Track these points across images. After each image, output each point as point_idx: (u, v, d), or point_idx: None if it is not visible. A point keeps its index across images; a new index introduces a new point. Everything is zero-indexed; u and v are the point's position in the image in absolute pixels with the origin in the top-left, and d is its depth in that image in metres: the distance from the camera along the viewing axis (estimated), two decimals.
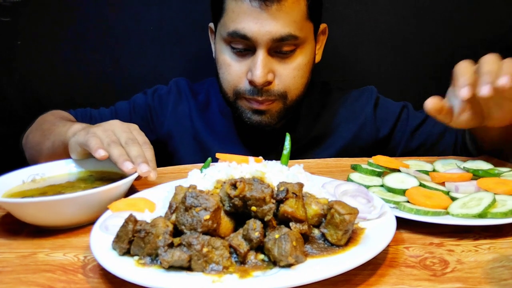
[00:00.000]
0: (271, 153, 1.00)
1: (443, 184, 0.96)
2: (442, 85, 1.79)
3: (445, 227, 0.80)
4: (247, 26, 1.18)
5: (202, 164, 0.97)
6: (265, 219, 0.69)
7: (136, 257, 0.69)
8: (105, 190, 0.86)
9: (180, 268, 0.64)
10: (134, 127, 1.03)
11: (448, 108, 0.96)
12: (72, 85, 1.57)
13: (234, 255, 0.67)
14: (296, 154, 1.35)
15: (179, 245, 0.65)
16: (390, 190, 0.95)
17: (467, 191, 0.91)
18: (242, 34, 1.19)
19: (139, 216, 0.75)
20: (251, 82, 1.23)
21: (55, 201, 0.82)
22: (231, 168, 0.81)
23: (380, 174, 1.05)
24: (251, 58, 1.23)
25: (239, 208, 0.70)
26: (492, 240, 0.77)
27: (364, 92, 1.49)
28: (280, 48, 1.22)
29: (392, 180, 0.98)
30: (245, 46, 1.22)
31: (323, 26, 1.37)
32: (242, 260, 0.66)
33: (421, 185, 0.95)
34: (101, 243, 0.73)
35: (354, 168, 1.08)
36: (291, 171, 0.82)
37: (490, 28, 1.71)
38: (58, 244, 0.82)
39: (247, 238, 0.67)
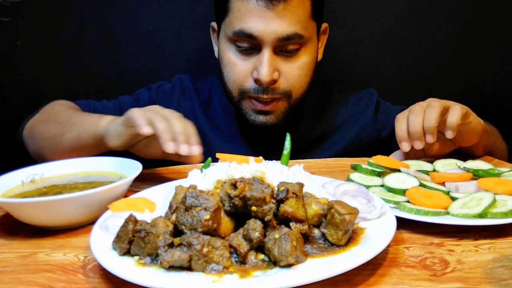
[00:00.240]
0: (274, 152, 1.00)
1: (443, 184, 0.96)
2: (441, 85, 1.80)
3: (445, 227, 0.80)
4: (253, 25, 1.19)
5: (202, 164, 0.97)
6: (265, 219, 0.69)
7: (136, 257, 0.69)
8: (105, 190, 0.86)
9: (180, 268, 0.64)
10: (172, 110, 1.02)
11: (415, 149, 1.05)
12: (72, 85, 1.57)
13: (234, 255, 0.67)
14: (297, 154, 1.36)
15: (179, 245, 0.65)
16: (390, 190, 0.95)
17: (467, 191, 0.91)
18: (248, 33, 1.20)
19: (139, 216, 0.75)
20: (256, 81, 1.23)
21: (55, 201, 0.82)
22: (231, 168, 0.81)
23: (380, 174, 1.05)
24: (256, 57, 1.23)
25: (239, 208, 0.70)
26: (492, 240, 0.77)
27: (365, 95, 1.50)
28: (285, 47, 1.23)
29: (392, 180, 0.98)
30: (250, 45, 1.23)
31: (324, 25, 1.38)
32: (242, 260, 0.66)
33: (421, 185, 0.95)
34: (101, 243, 0.73)
35: (354, 168, 1.08)
36: (291, 171, 0.82)
37: (490, 28, 1.71)
38: (58, 244, 0.82)
39: (247, 238, 0.67)
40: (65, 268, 0.73)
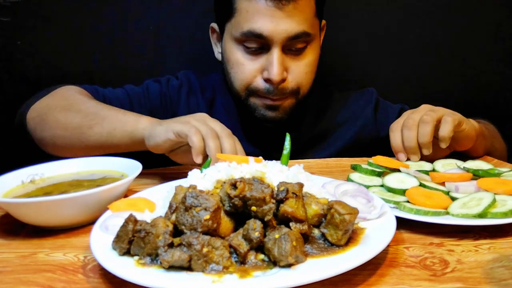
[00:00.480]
0: (276, 150, 1.01)
1: (443, 184, 0.96)
2: (441, 85, 1.80)
3: (445, 227, 0.80)
4: (263, 25, 1.19)
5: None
6: (265, 219, 0.69)
7: (136, 257, 0.69)
8: (105, 190, 0.86)
9: (180, 268, 0.64)
10: (223, 126, 1.05)
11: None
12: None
13: (234, 255, 0.67)
14: (298, 153, 1.36)
15: (179, 245, 0.65)
16: (390, 190, 0.95)
17: (467, 191, 0.91)
18: (258, 33, 1.20)
19: (139, 216, 0.75)
20: (267, 80, 1.24)
21: (55, 201, 0.82)
22: (231, 168, 0.81)
23: (380, 174, 1.05)
24: (265, 56, 1.24)
25: (239, 208, 0.70)
26: (492, 240, 0.77)
27: (364, 94, 1.51)
28: (293, 46, 1.24)
29: (392, 180, 0.98)
30: (259, 45, 1.23)
31: (323, 22, 1.39)
32: (242, 260, 0.66)
33: (421, 185, 0.95)
34: (101, 243, 0.73)
35: (354, 168, 1.08)
36: (291, 171, 0.82)
37: (489, 28, 1.72)
38: (58, 244, 0.82)
39: (247, 238, 0.67)
40: (65, 268, 0.73)
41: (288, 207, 0.70)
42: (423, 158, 1.12)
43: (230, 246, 0.67)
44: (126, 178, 0.91)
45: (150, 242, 0.67)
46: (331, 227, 0.70)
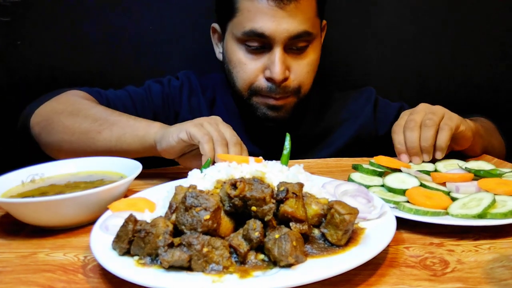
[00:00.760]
0: (278, 150, 1.02)
1: (444, 184, 0.96)
2: (441, 85, 1.80)
3: (445, 227, 0.81)
4: (264, 25, 1.20)
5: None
6: (265, 219, 0.69)
7: (136, 257, 0.69)
8: (105, 190, 0.86)
9: (180, 268, 0.65)
10: (233, 132, 1.06)
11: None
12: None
13: (234, 255, 0.67)
14: (298, 152, 1.36)
15: (179, 245, 0.65)
16: (391, 190, 0.95)
17: (467, 192, 0.91)
18: (259, 32, 1.21)
19: (139, 216, 0.75)
20: (269, 79, 1.25)
21: (55, 201, 0.82)
22: (231, 168, 0.81)
23: (381, 174, 1.05)
24: (267, 56, 1.25)
25: (239, 208, 0.70)
26: (492, 240, 0.77)
27: (364, 93, 1.52)
28: (295, 45, 1.25)
29: (392, 180, 0.98)
30: (261, 44, 1.24)
31: (324, 22, 1.39)
32: (242, 260, 0.66)
33: (422, 185, 0.95)
34: (101, 243, 0.73)
35: (355, 168, 1.09)
36: (291, 171, 0.82)
37: (489, 28, 1.72)
38: (58, 244, 0.82)
39: (247, 238, 0.67)
40: (65, 268, 0.73)
41: (288, 207, 0.70)
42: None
43: (230, 246, 0.67)
44: (126, 178, 0.91)
45: (150, 242, 0.67)
46: (331, 227, 0.71)
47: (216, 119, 1.09)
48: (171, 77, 1.48)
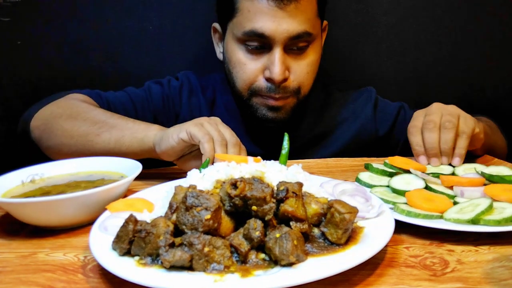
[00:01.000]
0: (278, 150, 1.02)
1: (452, 188, 0.95)
2: (441, 85, 1.80)
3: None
4: (264, 25, 1.20)
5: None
6: (266, 218, 0.69)
7: (137, 257, 0.69)
8: (104, 190, 0.86)
9: (181, 268, 0.65)
10: (232, 133, 1.07)
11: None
12: (72, 85, 1.56)
13: (235, 255, 0.67)
14: (298, 152, 1.37)
15: (180, 245, 0.66)
16: (395, 191, 0.95)
17: (472, 196, 0.89)
18: (260, 33, 1.21)
19: (138, 217, 0.75)
20: (269, 80, 1.25)
21: (55, 201, 0.83)
22: (230, 168, 0.82)
23: (392, 175, 1.04)
24: (266, 56, 1.25)
25: (240, 208, 0.71)
26: (492, 240, 0.77)
27: (364, 93, 1.52)
28: (295, 45, 1.25)
29: (398, 181, 0.98)
30: (260, 44, 1.25)
31: (325, 23, 1.40)
32: (243, 260, 0.67)
33: (427, 187, 0.94)
34: (100, 243, 0.73)
35: (366, 167, 1.08)
36: (290, 171, 0.83)
37: (489, 27, 1.72)
38: (58, 244, 0.82)
39: (247, 237, 0.67)
40: (65, 268, 0.73)
41: (289, 206, 0.70)
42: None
43: (231, 245, 0.67)
44: (126, 178, 0.92)
45: (151, 242, 0.67)
46: (331, 226, 0.71)
47: (216, 119, 1.09)
48: (171, 77, 1.48)
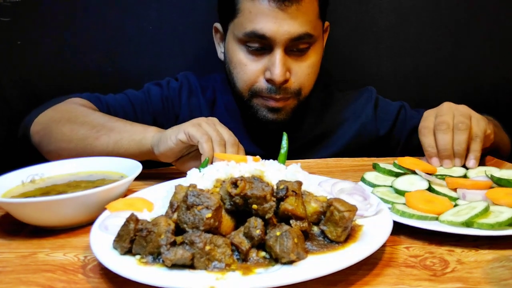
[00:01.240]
0: (278, 151, 1.03)
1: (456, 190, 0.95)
2: (441, 85, 1.80)
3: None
4: (265, 26, 1.21)
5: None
6: (266, 216, 0.70)
7: (138, 256, 0.70)
8: (105, 190, 0.87)
9: (183, 266, 0.66)
10: (231, 133, 1.08)
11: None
12: (72, 85, 1.58)
13: (236, 253, 0.68)
14: (299, 152, 1.38)
15: (182, 243, 0.67)
16: (398, 191, 0.95)
17: (473, 199, 0.89)
18: (260, 34, 1.22)
19: (138, 216, 0.76)
20: (269, 81, 1.26)
21: (55, 201, 0.84)
22: (230, 167, 0.83)
23: (399, 175, 1.04)
24: (267, 57, 1.26)
25: (240, 207, 0.72)
26: (492, 240, 0.78)
27: (364, 93, 1.53)
28: (295, 47, 1.26)
29: (402, 182, 0.98)
30: (261, 45, 1.25)
31: (326, 24, 1.41)
32: (244, 258, 0.68)
33: (430, 188, 0.95)
34: (101, 243, 0.74)
35: (374, 167, 1.08)
36: (289, 170, 0.84)
37: (489, 27, 1.73)
38: (58, 244, 0.83)
39: (248, 236, 0.69)
40: (65, 268, 0.74)
41: (289, 204, 0.72)
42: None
43: (232, 244, 0.68)
44: (126, 178, 0.92)
45: (152, 241, 0.68)
46: (331, 224, 0.72)
47: (213, 119, 1.10)
48: (170, 78, 1.49)
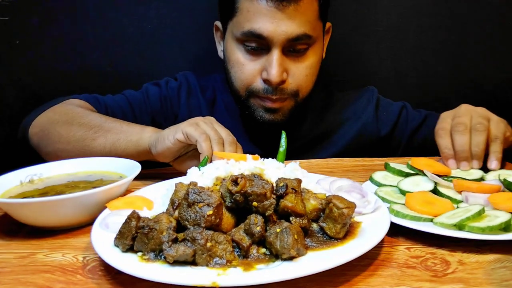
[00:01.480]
0: (277, 150, 1.03)
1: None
2: (442, 85, 1.81)
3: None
4: (263, 26, 1.23)
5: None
6: (266, 213, 0.73)
7: (140, 253, 0.72)
8: (104, 190, 0.89)
9: (184, 262, 0.68)
10: (228, 132, 1.10)
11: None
12: (71, 85, 1.59)
13: (237, 250, 0.71)
14: (300, 152, 1.39)
15: (183, 240, 0.69)
16: (401, 192, 0.97)
17: (475, 202, 0.90)
18: (258, 33, 1.24)
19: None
20: (266, 81, 1.28)
21: (53, 202, 0.86)
22: (230, 166, 0.86)
23: (408, 175, 1.05)
24: (265, 57, 1.28)
25: (241, 204, 0.75)
26: (493, 240, 0.79)
27: (365, 93, 1.55)
28: (293, 47, 1.28)
29: (407, 182, 1.00)
30: (259, 45, 1.28)
31: (328, 25, 1.43)
32: (244, 254, 0.70)
33: (435, 190, 0.95)
34: (102, 240, 0.76)
35: (385, 166, 1.09)
36: (288, 168, 0.87)
37: (489, 28, 1.74)
38: (57, 245, 0.85)
39: (249, 232, 0.71)
40: (64, 268, 0.76)
41: (288, 202, 0.74)
42: None
43: (233, 240, 0.71)
44: (125, 178, 0.93)
45: (154, 238, 0.71)
46: (330, 221, 0.75)
47: (211, 119, 1.13)
48: (170, 78, 1.51)
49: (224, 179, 0.80)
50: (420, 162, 1.05)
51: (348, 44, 1.77)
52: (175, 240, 0.69)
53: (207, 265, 0.67)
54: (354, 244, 0.72)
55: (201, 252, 0.67)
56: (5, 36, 1.60)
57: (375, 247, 0.75)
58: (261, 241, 0.71)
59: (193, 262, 0.68)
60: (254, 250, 0.70)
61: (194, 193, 0.71)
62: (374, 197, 0.88)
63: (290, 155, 1.05)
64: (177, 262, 0.67)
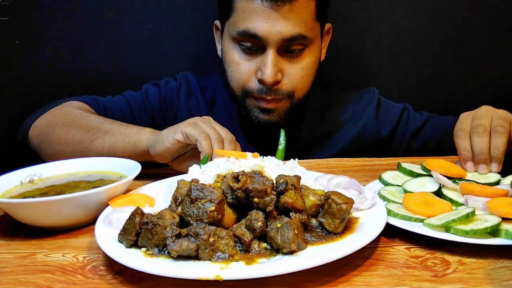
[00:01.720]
0: (276, 149, 1.03)
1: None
2: (442, 85, 1.81)
3: None
4: (258, 26, 1.25)
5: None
6: (267, 209, 0.77)
7: (144, 249, 0.76)
8: (104, 190, 0.92)
9: (188, 257, 0.72)
10: (227, 131, 1.13)
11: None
12: (71, 85, 1.61)
13: (238, 244, 0.75)
14: (300, 152, 1.41)
15: (187, 235, 0.73)
16: (405, 192, 1.00)
17: (473, 206, 0.89)
18: (252, 33, 1.27)
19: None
20: (260, 81, 1.32)
21: (53, 202, 0.89)
22: (230, 163, 0.89)
23: (419, 176, 1.06)
24: (260, 57, 1.31)
25: (242, 200, 0.79)
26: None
27: (366, 93, 1.59)
28: (289, 48, 1.31)
29: (413, 183, 1.02)
30: (254, 45, 1.31)
31: (328, 26, 1.47)
32: (246, 249, 0.74)
33: (439, 191, 0.97)
34: (106, 237, 0.78)
35: (398, 166, 1.11)
36: (287, 165, 0.91)
37: (489, 28, 1.75)
38: (57, 245, 0.88)
39: (250, 228, 0.75)
40: (64, 269, 0.78)
41: (288, 198, 0.78)
42: None
43: (235, 235, 0.75)
44: (125, 178, 0.94)
45: (158, 234, 0.74)
46: (329, 216, 0.78)
47: (208, 118, 1.16)
48: (169, 78, 1.54)
49: (225, 177, 0.84)
50: (433, 163, 1.05)
51: (348, 44, 1.79)
52: (178, 236, 0.72)
53: (210, 260, 0.71)
54: (352, 239, 0.76)
55: (204, 246, 0.71)
56: (5, 36, 1.61)
57: (375, 248, 0.79)
58: (262, 236, 0.75)
59: (196, 257, 0.71)
60: (255, 245, 0.74)
61: (196, 189, 0.75)
62: (371, 193, 0.91)
63: (290, 156, 1.08)
64: (180, 257, 0.71)
